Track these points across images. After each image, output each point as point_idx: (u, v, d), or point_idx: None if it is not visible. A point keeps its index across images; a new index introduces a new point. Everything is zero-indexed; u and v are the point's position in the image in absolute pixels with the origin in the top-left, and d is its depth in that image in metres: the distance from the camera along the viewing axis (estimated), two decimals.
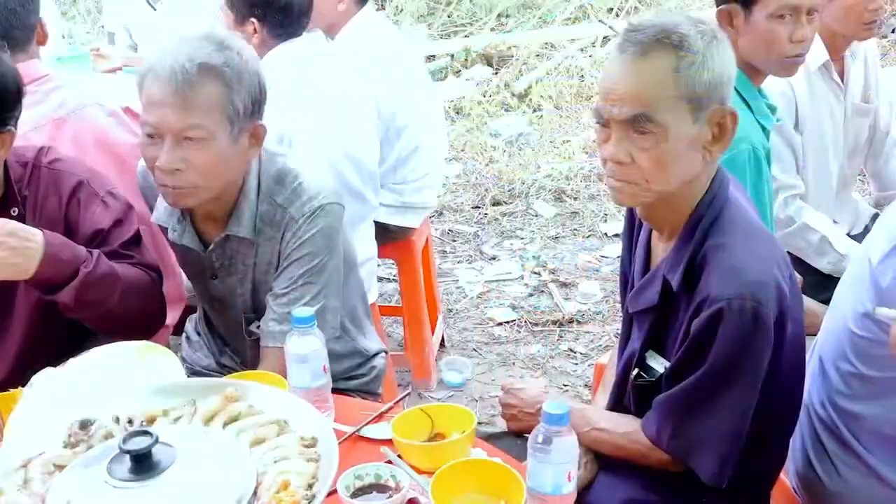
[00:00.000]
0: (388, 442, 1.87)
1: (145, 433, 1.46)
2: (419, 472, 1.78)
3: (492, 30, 7.95)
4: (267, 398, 1.69)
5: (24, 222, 2.12)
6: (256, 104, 2.16)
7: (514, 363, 4.20)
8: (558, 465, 1.61)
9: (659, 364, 1.91)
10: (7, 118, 2.12)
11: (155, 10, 4.98)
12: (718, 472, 1.83)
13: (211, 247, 2.27)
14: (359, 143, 3.31)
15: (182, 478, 1.45)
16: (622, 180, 1.80)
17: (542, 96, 6.96)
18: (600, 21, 7.72)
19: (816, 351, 2.10)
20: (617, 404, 2.06)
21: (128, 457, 1.45)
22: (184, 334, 2.71)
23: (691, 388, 1.81)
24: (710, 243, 1.81)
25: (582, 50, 7.49)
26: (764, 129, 2.55)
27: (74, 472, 1.51)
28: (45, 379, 1.91)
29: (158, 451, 1.46)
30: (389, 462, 1.80)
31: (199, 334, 2.64)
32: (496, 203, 5.67)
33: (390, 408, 2.02)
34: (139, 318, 2.26)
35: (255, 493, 1.46)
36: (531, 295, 4.75)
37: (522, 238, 5.30)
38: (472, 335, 4.44)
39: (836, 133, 3.14)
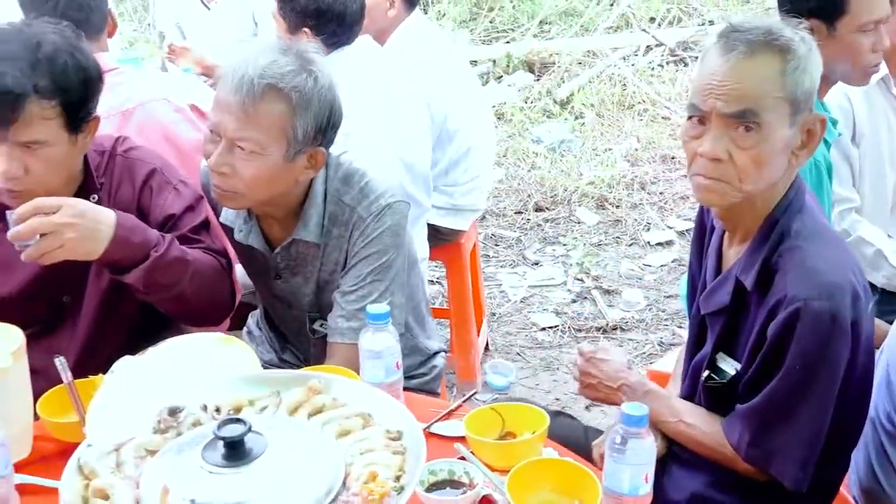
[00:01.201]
0: (460, 439, 1.90)
1: (239, 421, 1.50)
2: (491, 469, 1.81)
3: (534, 36, 7.97)
4: (350, 391, 1.72)
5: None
6: (322, 131, 2.18)
7: (557, 368, 4.22)
8: (636, 466, 1.63)
9: (729, 366, 1.93)
10: (94, 106, 2.16)
11: (209, 9, 5.03)
12: (800, 476, 1.84)
13: (277, 249, 2.31)
14: (412, 148, 3.35)
15: (273, 466, 1.48)
16: (714, 178, 1.82)
17: (583, 104, 6.98)
18: (644, 31, 7.73)
19: (882, 364, 2.11)
20: None
21: (221, 443, 1.49)
22: (245, 329, 2.76)
23: (771, 394, 1.82)
24: (785, 246, 1.83)
25: (624, 59, 7.50)
26: (826, 142, 2.57)
27: (168, 456, 1.55)
28: (125, 366, 1.95)
29: (251, 439, 1.49)
30: (462, 458, 1.83)
31: (260, 329, 2.68)
32: (539, 209, 5.70)
33: (460, 405, 2.05)
34: (210, 303, 2.28)
35: (344, 483, 1.49)
36: (574, 301, 4.77)
37: (565, 244, 5.32)
38: (516, 339, 4.47)
39: (893, 147, 3.15)
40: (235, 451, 1.48)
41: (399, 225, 2.27)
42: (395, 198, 2.26)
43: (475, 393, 2.16)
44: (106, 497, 1.49)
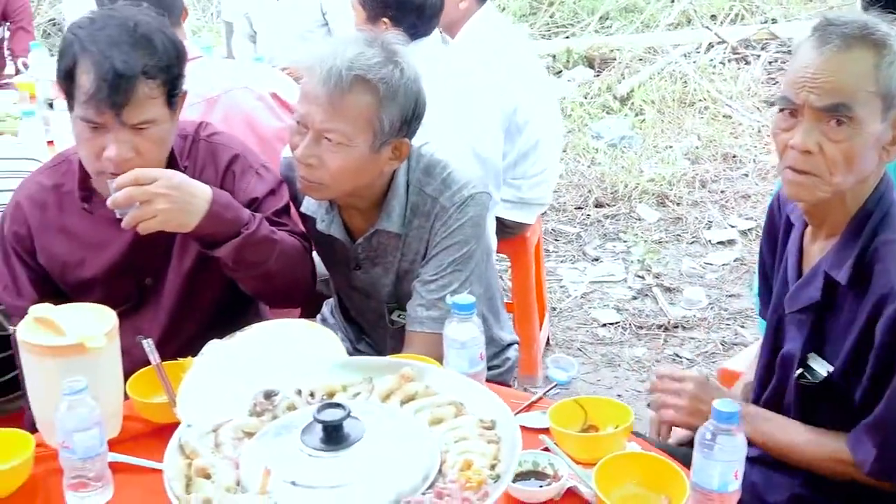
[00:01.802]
0: (543, 430, 1.91)
1: (338, 406, 1.52)
2: (574, 461, 1.81)
3: (596, 31, 7.95)
4: (442, 380, 1.74)
5: None
6: (407, 122, 2.20)
7: (619, 364, 4.22)
8: (726, 462, 1.63)
9: (821, 366, 1.91)
10: (182, 81, 2.20)
11: (278, 0, 5.07)
12: None
13: (359, 240, 2.33)
14: (484, 140, 3.36)
15: (371, 451, 1.50)
16: (804, 171, 1.80)
17: (644, 100, 6.95)
18: (706, 28, 7.67)
19: None
20: (773, 406, 2.05)
21: (320, 427, 1.51)
22: (319, 317, 2.78)
23: (890, 402, 1.79)
24: (881, 239, 1.82)
25: (685, 56, 7.45)
26: None
27: (267, 439, 1.58)
28: (214, 349, 1.98)
29: (349, 424, 1.52)
30: (546, 450, 1.84)
31: (334, 318, 2.71)
32: (599, 205, 5.69)
33: (541, 397, 2.06)
34: (293, 283, 2.31)
35: (439, 470, 1.51)
36: (635, 298, 4.76)
37: (625, 241, 5.30)
38: (577, 334, 4.47)
39: None
40: (334, 435, 1.50)
41: (480, 216, 2.29)
42: (477, 189, 2.28)
43: (555, 385, 2.16)
44: (207, 476, 1.52)
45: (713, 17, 8.11)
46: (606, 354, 4.30)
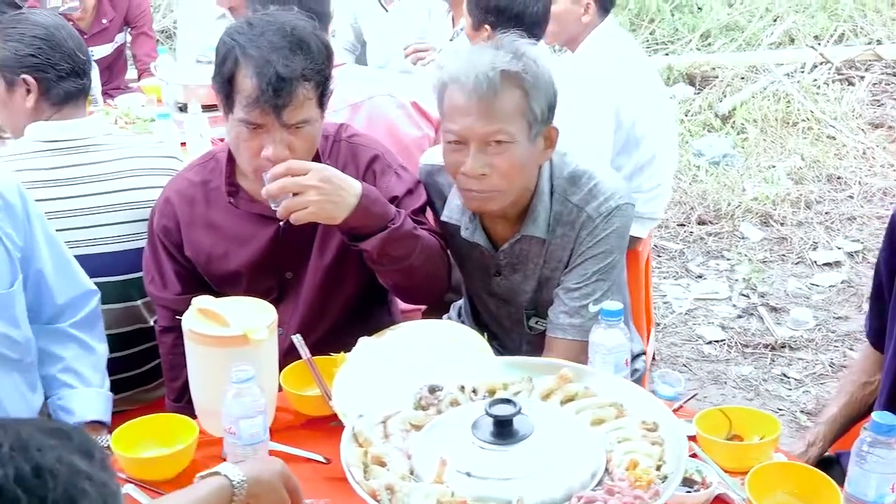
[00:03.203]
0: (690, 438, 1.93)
1: (508, 402, 1.57)
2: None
3: (697, 49, 7.91)
4: (600, 382, 1.78)
5: None
6: (551, 109, 2.26)
7: (725, 382, 4.20)
8: (883, 474, 1.64)
9: None
10: (331, 82, 2.28)
11: (387, 11, 5.15)
12: None
13: (504, 246, 2.38)
14: (593, 155, 3.38)
15: (540, 447, 1.56)
16: None
17: (745, 119, 6.90)
18: (810, 47, 7.60)
19: None
20: None
21: (491, 421, 1.56)
22: (445, 318, 2.83)
23: None
24: None
25: (788, 75, 7.38)
26: None
27: (438, 431, 1.63)
28: (366, 346, 2.05)
29: (518, 420, 1.57)
30: (694, 456, 1.86)
31: (462, 322, 2.75)
32: (701, 222, 5.67)
33: (681, 405, 2.08)
34: (431, 280, 2.37)
35: (605, 469, 1.55)
36: (740, 316, 4.74)
37: (729, 259, 5.28)
38: (682, 351, 4.46)
39: None
40: (504, 430, 1.56)
41: (625, 227, 2.32)
42: (623, 200, 2.31)
43: (695, 395, 2.18)
44: (382, 464, 1.58)
45: (816, 37, 8.02)
46: (712, 372, 4.29)
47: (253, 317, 1.98)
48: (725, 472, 1.83)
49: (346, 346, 2.17)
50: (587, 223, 2.29)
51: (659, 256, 5.32)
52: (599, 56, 3.71)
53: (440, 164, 2.41)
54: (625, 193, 2.33)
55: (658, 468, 1.55)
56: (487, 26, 3.24)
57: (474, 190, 2.22)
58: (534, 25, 3.27)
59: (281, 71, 2.11)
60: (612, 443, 1.61)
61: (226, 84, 2.21)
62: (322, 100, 2.26)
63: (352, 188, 2.17)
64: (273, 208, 2.17)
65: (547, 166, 2.34)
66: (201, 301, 2.02)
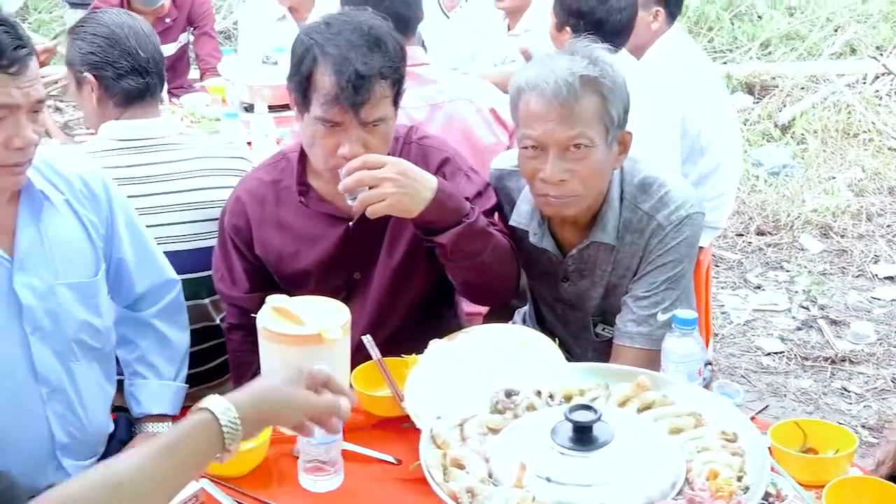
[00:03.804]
0: None
1: (589, 408, 1.57)
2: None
3: (757, 58, 7.84)
4: (678, 390, 1.77)
5: None
6: (626, 113, 2.26)
7: (784, 395, 4.16)
8: None
9: None
10: (404, 81, 2.30)
11: (448, 17, 5.17)
12: None
13: (572, 252, 2.37)
14: (663, 162, 3.36)
15: (620, 454, 1.55)
16: None
17: (805, 129, 6.82)
18: (872, 58, 7.50)
19: None
20: None
21: (570, 427, 1.56)
22: (511, 323, 2.83)
23: None
24: None
25: (850, 86, 7.29)
26: None
27: (516, 435, 1.64)
28: (438, 348, 2.06)
29: (598, 426, 1.56)
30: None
31: (527, 326, 2.75)
32: (760, 233, 5.62)
33: (753, 417, 2.06)
34: (501, 280, 2.37)
35: (685, 479, 1.54)
36: (800, 329, 4.69)
37: (788, 270, 5.23)
38: (740, 361, 4.42)
39: None
40: (584, 436, 1.55)
41: (696, 236, 2.31)
42: (694, 209, 2.30)
43: (767, 407, 2.16)
44: (461, 467, 1.58)
45: (878, 47, 7.92)
46: (771, 384, 4.24)
47: (327, 316, 1.99)
48: (800, 485, 1.81)
49: (412, 347, 2.19)
50: (657, 231, 2.28)
51: (717, 266, 5.28)
52: (666, 63, 3.69)
53: (510, 168, 2.41)
54: (696, 202, 2.32)
55: (739, 479, 1.54)
56: (568, 28, 3.26)
57: (552, 195, 2.22)
58: (616, 34, 3.27)
59: (360, 69, 2.13)
60: (691, 452, 1.60)
61: (303, 82, 2.22)
62: (397, 98, 2.27)
63: (428, 182, 2.17)
64: (349, 203, 2.17)
65: (617, 173, 2.33)
66: (276, 299, 2.03)
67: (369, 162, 2.14)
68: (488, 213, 2.39)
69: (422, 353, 2.14)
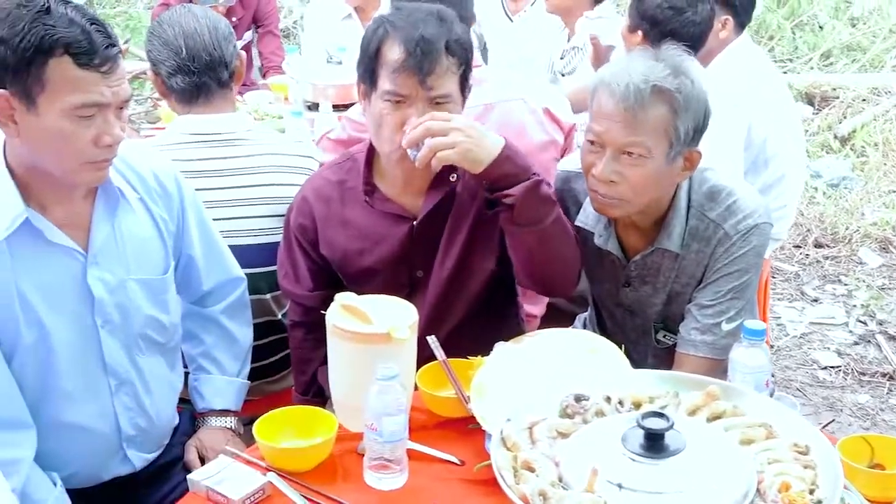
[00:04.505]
0: None
1: (661, 415, 1.57)
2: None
3: (820, 69, 7.76)
4: (748, 401, 1.76)
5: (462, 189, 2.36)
6: (698, 132, 2.23)
7: (841, 409, 4.11)
8: None
9: None
10: (471, 72, 2.34)
11: (512, 21, 5.17)
12: None
13: (636, 257, 2.37)
14: (729, 171, 3.34)
15: (692, 463, 1.55)
16: None
17: (866, 142, 6.74)
18: None
19: None
20: None
21: (642, 434, 1.56)
22: (570, 329, 2.83)
23: None
24: None
25: None
26: None
27: (586, 440, 1.64)
28: (504, 350, 2.07)
29: (670, 434, 1.56)
30: None
31: (587, 331, 2.75)
32: (818, 245, 5.56)
33: (823, 428, 2.05)
34: (562, 265, 2.34)
35: (756, 490, 1.53)
36: (857, 343, 4.63)
37: (846, 284, 5.17)
38: (796, 374, 4.38)
39: None
40: (656, 444, 1.55)
41: (763, 246, 2.30)
42: (762, 219, 2.28)
43: (833, 421, 2.14)
44: (531, 469, 1.59)
45: None
46: (828, 398, 4.19)
47: (395, 315, 2.01)
48: (868, 500, 1.79)
49: (471, 347, 2.19)
50: (724, 240, 2.27)
51: (773, 278, 5.23)
52: (734, 72, 3.66)
53: (577, 170, 2.41)
54: (764, 212, 2.31)
55: (811, 492, 1.53)
56: (641, 32, 3.27)
57: (599, 192, 2.23)
58: (687, 43, 3.25)
59: (427, 35, 2.18)
60: (762, 464, 1.59)
61: (372, 59, 2.26)
62: (463, 84, 2.30)
63: (495, 137, 2.19)
64: (411, 157, 2.19)
65: (685, 181, 2.32)
66: (345, 297, 2.05)
67: (437, 116, 2.17)
68: None
69: (481, 353, 2.15)
